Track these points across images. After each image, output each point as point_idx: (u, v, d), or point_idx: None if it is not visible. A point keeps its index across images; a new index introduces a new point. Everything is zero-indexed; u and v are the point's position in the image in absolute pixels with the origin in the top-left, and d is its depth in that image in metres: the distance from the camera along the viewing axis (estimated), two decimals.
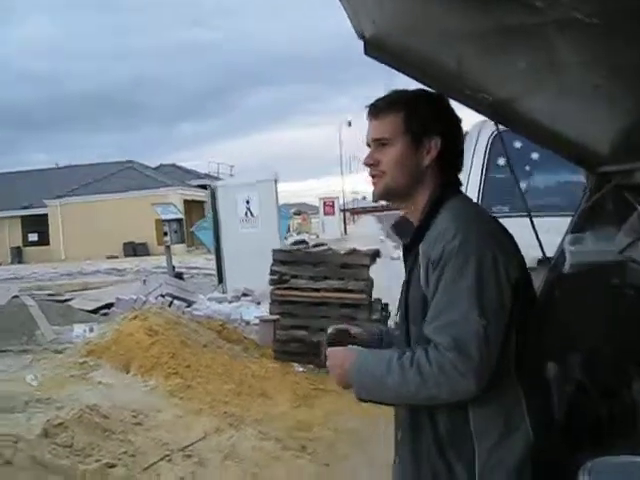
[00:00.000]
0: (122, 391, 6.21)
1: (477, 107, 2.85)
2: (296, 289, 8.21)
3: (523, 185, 4.94)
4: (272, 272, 8.39)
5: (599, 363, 2.50)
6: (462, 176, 4.68)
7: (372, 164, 2.09)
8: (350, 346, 2.13)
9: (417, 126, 2.05)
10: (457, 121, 2.14)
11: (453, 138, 2.11)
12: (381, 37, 2.66)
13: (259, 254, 13.07)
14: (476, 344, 1.83)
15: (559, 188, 5.07)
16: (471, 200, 2.10)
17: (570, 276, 2.64)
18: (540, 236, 4.64)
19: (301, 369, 7.69)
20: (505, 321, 1.88)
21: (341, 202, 47.05)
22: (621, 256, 2.54)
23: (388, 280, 9.01)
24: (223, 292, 13.60)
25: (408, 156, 2.05)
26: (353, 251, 8.91)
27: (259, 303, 12.29)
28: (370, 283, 8.37)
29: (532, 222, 3.03)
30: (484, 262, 1.88)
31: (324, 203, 40.19)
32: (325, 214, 39.74)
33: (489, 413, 1.91)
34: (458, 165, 2.14)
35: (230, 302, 12.57)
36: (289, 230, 30.35)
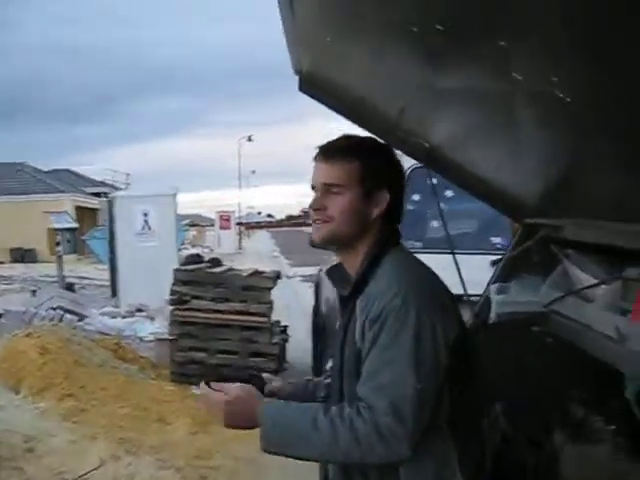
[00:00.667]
0: (12, 413, 5.91)
1: (412, 152, 2.87)
2: (197, 310, 8.06)
3: (435, 223, 5.02)
4: (172, 292, 8.21)
5: (523, 413, 2.54)
6: None
7: (319, 209, 2.05)
8: (251, 387, 2.06)
9: (371, 178, 2.02)
10: (403, 174, 2.15)
11: (399, 191, 2.09)
12: (319, 75, 2.65)
13: (155, 269, 12.81)
14: (411, 409, 1.81)
15: (472, 226, 5.17)
16: (410, 254, 2.09)
17: (495, 326, 2.68)
18: (449, 272, 4.75)
19: (199, 392, 7.52)
20: (439, 382, 1.88)
21: (237, 216, 46.87)
22: (545, 308, 2.60)
23: (285, 299, 9.00)
24: (116, 306, 13.23)
25: (358, 207, 2.01)
26: (255, 273, 8.84)
27: (153, 319, 12.02)
28: (271, 306, 8.33)
29: (455, 260, 3.05)
30: (423, 324, 1.86)
31: (220, 217, 39.83)
32: (221, 228, 39.36)
33: (421, 469, 1.89)
34: (400, 216, 2.13)
35: (124, 317, 12.24)
36: (183, 243, 29.84)
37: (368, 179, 2.02)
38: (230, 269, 9.23)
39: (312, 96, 2.80)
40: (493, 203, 2.95)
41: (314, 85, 2.70)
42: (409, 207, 5.02)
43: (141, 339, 10.72)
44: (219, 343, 7.98)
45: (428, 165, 2.82)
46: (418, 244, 4.89)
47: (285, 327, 9.13)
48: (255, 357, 7.96)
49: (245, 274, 8.50)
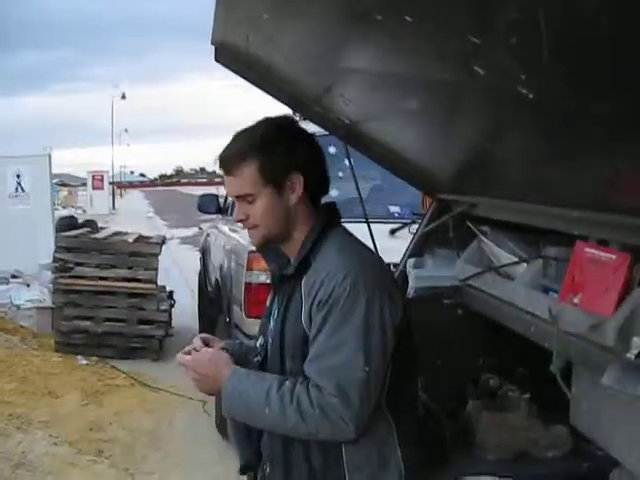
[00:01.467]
0: None
1: (330, 127, 2.85)
2: (81, 277, 7.81)
3: (335, 192, 5.04)
4: (55, 259, 7.91)
5: (441, 386, 2.61)
6: None
7: (242, 219, 2.02)
8: (222, 353, 2.06)
9: (275, 173, 1.97)
10: (313, 144, 2.07)
11: (313, 164, 2.04)
12: (241, 48, 2.58)
13: (31, 233, 12.30)
14: (358, 391, 1.85)
15: (374, 196, 5.22)
16: (350, 234, 2.09)
17: (415, 300, 2.73)
18: None
19: (85, 362, 7.36)
20: (386, 365, 1.91)
21: (110, 176, 45.57)
22: (460, 282, 2.68)
23: (164, 263, 8.87)
24: None
25: (275, 204, 1.98)
26: (140, 238, 8.65)
27: (29, 285, 11.54)
28: (157, 272, 8.18)
29: (370, 229, 3.06)
30: (372, 307, 1.88)
31: (93, 177, 38.56)
32: (94, 188, 38.13)
33: (362, 448, 1.93)
34: (324, 187, 2.10)
35: None
36: (55, 204, 28.78)
37: (271, 174, 1.97)
38: (115, 233, 8.98)
39: (228, 67, 2.73)
40: (409, 178, 2.99)
41: (234, 58, 2.62)
42: None
43: (18, 307, 10.27)
44: (105, 311, 7.77)
45: (347, 140, 2.81)
46: None
47: (171, 293, 8.99)
48: (143, 324, 7.82)
49: (131, 240, 8.29)
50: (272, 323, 2.12)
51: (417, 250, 2.91)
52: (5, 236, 12.58)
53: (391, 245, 4.71)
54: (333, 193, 5.07)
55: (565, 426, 2.57)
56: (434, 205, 2.95)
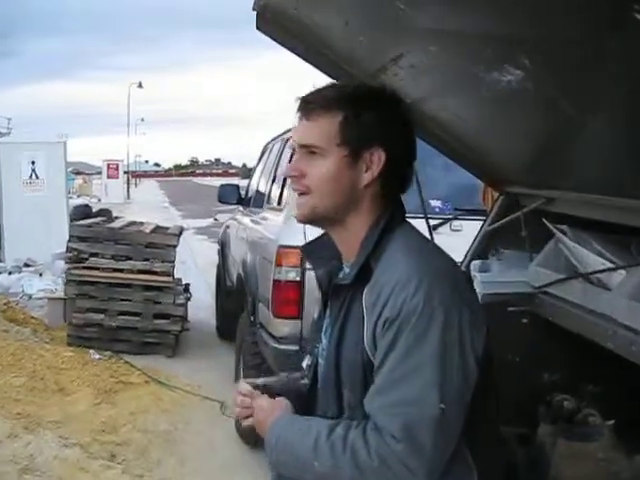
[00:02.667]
0: None
1: None
2: (96, 269, 7.48)
3: None
4: (68, 249, 7.59)
5: (512, 408, 2.27)
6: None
7: (295, 176, 1.65)
8: (278, 398, 1.73)
9: (356, 136, 1.62)
10: (408, 128, 1.71)
11: (401, 150, 1.68)
12: (285, 11, 2.24)
13: (44, 221, 12.07)
14: (432, 434, 1.47)
15: (412, 189, 4.87)
16: (420, 233, 1.73)
17: (493, 311, 2.37)
18: None
19: (98, 356, 7.03)
20: (466, 401, 1.54)
21: (125, 165, 45.35)
22: (535, 289, 2.32)
23: (180, 254, 8.55)
24: (1, 261, 12.35)
25: (342, 173, 1.62)
26: (158, 228, 8.33)
27: (41, 274, 11.28)
28: (174, 264, 7.86)
29: (430, 227, 2.72)
30: (450, 328, 1.51)
31: (108, 166, 38.26)
32: (109, 177, 37.85)
33: None
34: (405, 183, 1.73)
35: (10, 273, 11.41)
36: (69, 192, 28.69)
37: (353, 138, 1.62)
38: (131, 223, 8.66)
39: (272, 36, 2.39)
40: (472, 168, 2.64)
41: (280, 25, 2.28)
42: None
43: (30, 296, 9.99)
44: (120, 304, 7.44)
45: None
46: None
47: (187, 286, 8.66)
48: (159, 319, 7.48)
49: (148, 230, 7.96)
50: (324, 342, 1.77)
51: (481, 251, 2.55)
52: (18, 223, 12.34)
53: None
54: None
55: None
56: (501, 199, 2.58)
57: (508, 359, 2.38)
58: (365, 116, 1.63)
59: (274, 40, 2.40)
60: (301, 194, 1.67)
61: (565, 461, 2.22)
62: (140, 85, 51.98)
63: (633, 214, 2.07)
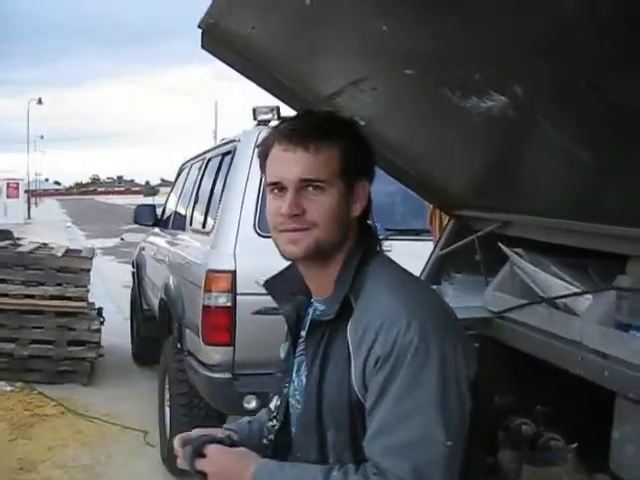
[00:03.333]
0: None
1: None
2: (4, 295, 7.13)
3: None
4: None
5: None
6: (235, 189, 4.19)
7: (297, 214, 1.54)
8: (241, 449, 1.61)
9: (353, 168, 1.57)
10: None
11: (373, 179, 1.65)
12: (236, 34, 2.15)
13: None
14: (442, 473, 1.41)
15: None
16: (397, 264, 1.67)
17: None
18: None
19: (9, 388, 6.69)
20: (465, 434, 1.49)
21: (25, 183, 43.91)
22: (494, 314, 2.28)
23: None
24: None
25: (341, 206, 1.56)
26: (69, 251, 8.03)
27: None
28: (88, 289, 7.57)
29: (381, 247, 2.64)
30: (447, 363, 1.46)
31: (7, 185, 36.94)
32: (8, 197, 36.52)
33: None
34: (370, 211, 1.68)
35: None
36: None
37: (352, 169, 1.56)
38: (40, 247, 8.31)
39: (217, 55, 2.30)
40: (421, 190, 2.60)
41: (228, 45, 2.19)
42: None
43: None
44: (32, 332, 7.11)
45: None
46: None
47: (100, 310, 8.36)
48: (73, 346, 7.18)
49: (59, 254, 7.65)
50: (296, 382, 1.68)
51: (434, 276, 2.50)
52: None
53: None
54: None
55: (607, 474, 2.22)
56: (452, 223, 2.55)
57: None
58: (360, 147, 1.60)
59: (220, 59, 2.31)
60: (302, 232, 1.56)
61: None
62: (40, 101, 50.54)
63: (589, 237, 2.06)
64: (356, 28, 1.65)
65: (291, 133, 1.55)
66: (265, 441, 1.74)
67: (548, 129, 1.56)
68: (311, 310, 1.69)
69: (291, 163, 1.54)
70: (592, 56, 1.27)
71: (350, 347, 1.49)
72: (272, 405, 1.75)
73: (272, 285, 1.79)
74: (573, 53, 1.28)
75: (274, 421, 1.72)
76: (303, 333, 1.69)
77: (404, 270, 1.65)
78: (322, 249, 1.57)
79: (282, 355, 1.77)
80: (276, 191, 1.57)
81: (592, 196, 1.97)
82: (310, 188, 1.53)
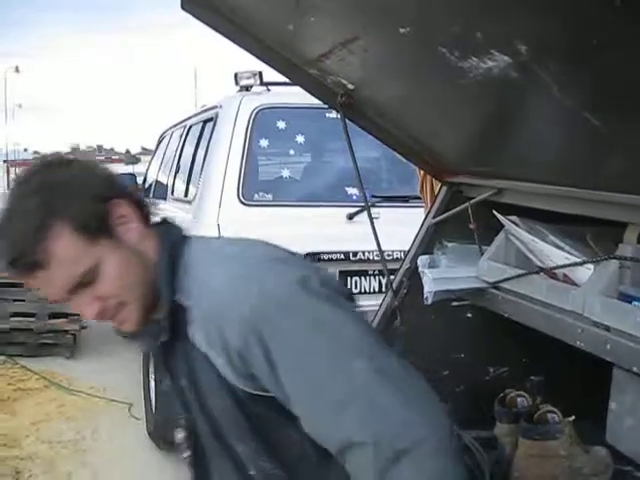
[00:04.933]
0: None
1: (324, 95, 2.34)
2: None
3: (287, 172, 4.52)
4: None
5: (469, 408, 2.17)
6: (218, 157, 4.10)
7: (103, 309, 1.39)
8: None
9: (93, 219, 1.36)
10: (92, 167, 1.46)
11: (115, 183, 1.45)
12: None
13: None
14: (394, 395, 1.22)
15: (329, 176, 4.69)
16: (198, 237, 1.56)
17: (436, 307, 2.25)
18: (310, 228, 4.29)
19: None
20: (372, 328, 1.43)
21: (4, 154, 43.37)
22: (489, 284, 2.21)
23: None
24: None
25: (122, 256, 1.38)
26: None
27: None
28: None
29: (370, 215, 2.55)
30: (313, 305, 1.30)
31: None
32: None
33: None
34: (142, 201, 1.51)
35: None
36: None
37: (93, 224, 1.35)
38: None
39: (199, 17, 2.18)
40: (411, 156, 2.50)
41: (209, 5, 2.07)
42: (257, 155, 4.46)
43: None
44: (12, 305, 7.01)
45: (344, 110, 2.28)
46: (268, 196, 4.35)
47: None
48: (55, 318, 7.08)
49: None
50: (179, 407, 1.55)
51: (426, 245, 2.41)
52: None
53: (350, 231, 4.26)
54: (284, 173, 4.59)
55: (603, 447, 2.18)
56: (444, 190, 2.46)
57: (455, 357, 2.28)
58: (81, 199, 1.36)
59: (201, 21, 2.19)
60: (117, 315, 1.41)
61: (527, 460, 2.12)
62: (17, 70, 49.73)
63: (588, 205, 1.98)
64: None
65: (14, 265, 1.36)
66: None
67: (553, 91, 1.46)
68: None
69: (45, 286, 1.39)
70: (603, 14, 1.17)
71: (206, 352, 1.36)
72: (178, 438, 1.59)
73: (134, 336, 1.55)
74: (585, 11, 1.18)
75: (187, 452, 1.57)
76: None
77: (213, 240, 1.52)
78: (147, 309, 1.43)
79: (165, 388, 1.61)
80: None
81: (592, 162, 1.89)
82: (84, 285, 1.37)
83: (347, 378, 1.24)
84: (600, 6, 1.14)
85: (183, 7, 2.15)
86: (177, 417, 1.57)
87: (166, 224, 1.53)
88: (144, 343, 1.61)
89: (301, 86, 2.30)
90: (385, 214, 3.96)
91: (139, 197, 1.49)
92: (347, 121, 2.36)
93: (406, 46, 1.67)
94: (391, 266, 2.69)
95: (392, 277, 2.52)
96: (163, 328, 1.41)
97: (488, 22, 1.35)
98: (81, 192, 1.36)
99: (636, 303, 1.72)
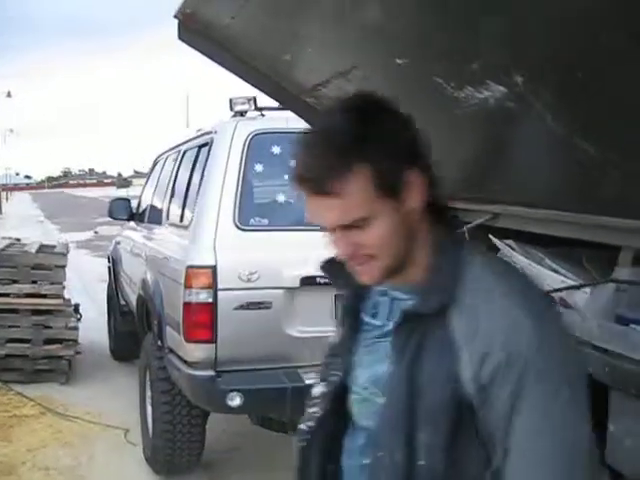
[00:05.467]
0: None
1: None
2: None
3: (282, 196, 4.54)
4: None
5: None
6: (214, 182, 4.10)
7: (355, 254, 1.39)
8: None
9: (392, 176, 1.35)
10: (408, 122, 1.42)
11: (419, 150, 1.41)
12: (213, 24, 2.06)
13: None
14: None
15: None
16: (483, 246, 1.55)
17: None
18: (306, 251, 4.29)
19: None
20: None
21: None
22: None
23: None
24: None
25: (394, 222, 1.37)
26: (43, 247, 7.89)
27: None
28: (63, 285, 7.44)
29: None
30: (573, 364, 1.34)
31: None
32: None
33: None
34: (437, 180, 1.46)
35: None
36: None
37: (389, 180, 1.35)
38: (13, 243, 8.15)
39: (194, 46, 2.22)
40: None
41: (206, 36, 2.11)
42: (253, 180, 4.48)
43: None
44: (7, 331, 6.98)
45: None
46: (264, 221, 4.37)
47: (77, 306, 8.23)
48: (50, 344, 7.06)
49: (33, 250, 7.51)
50: (368, 372, 1.52)
51: None
52: None
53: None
54: (280, 198, 4.61)
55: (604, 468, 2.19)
56: None
57: None
58: (381, 149, 1.35)
59: (197, 50, 2.23)
60: (365, 265, 1.41)
61: None
62: (9, 95, 49.83)
63: (582, 228, 2.01)
64: (343, 16, 1.56)
65: (310, 183, 1.35)
66: (304, 427, 1.63)
67: (547, 120, 1.49)
68: (384, 298, 1.53)
69: (322, 212, 1.36)
70: (593, 46, 1.20)
71: (458, 341, 1.34)
72: (316, 391, 1.63)
73: (329, 268, 1.57)
74: (575, 42, 1.21)
75: (316, 408, 1.61)
76: (370, 320, 1.55)
77: (504, 260, 1.52)
78: (392, 269, 1.43)
79: (334, 341, 1.62)
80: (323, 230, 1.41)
81: (585, 187, 1.92)
82: (354, 227, 1.36)
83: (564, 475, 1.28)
84: (590, 38, 1.17)
85: (180, 37, 2.18)
86: (329, 373, 1.59)
87: (447, 212, 1.50)
88: (347, 296, 1.58)
89: (297, 114, 2.33)
90: None
91: (434, 174, 1.44)
92: None
93: (403, 76, 1.70)
94: None
95: None
96: (431, 303, 1.37)
97: (484, 53, 1.38)
98: (390, 148, 1.36)
99: (633, 326, 1.75)
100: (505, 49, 1.34)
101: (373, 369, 1.51)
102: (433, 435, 1.36)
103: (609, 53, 1.21)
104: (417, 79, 1.67)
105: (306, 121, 2.39)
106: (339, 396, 1.57)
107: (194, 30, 2.14)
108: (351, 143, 1.33)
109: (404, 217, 1.38)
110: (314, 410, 1.59)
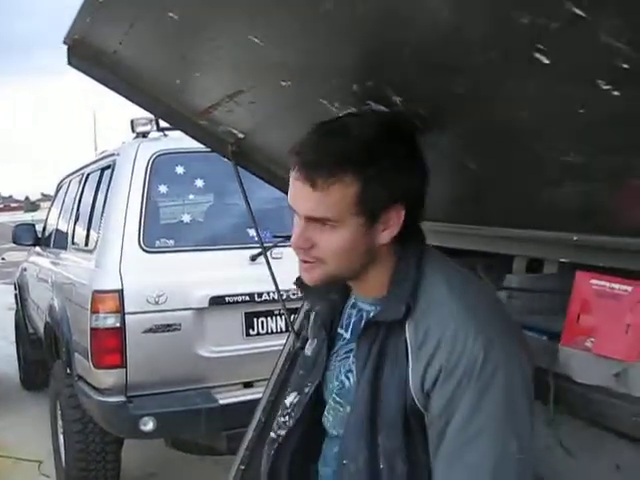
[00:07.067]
0: None
1: (215, 144, 2.37)
2: None
3: (187, 217, 4.52)
4: None
5: None
6: (117, 205, 4.06)
7: (304, 248, 1.42)
8: None
9: (376, 201, 1.38)
10: (421, 159, 1.47)
11: (421, 194, 1.46)
12: (103, 50, 2.05)
13: None
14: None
15: (230, 219, 4.68)
16: (446, 257, 1.56)
17: None
18: (213, 271, 4.29)
19: None
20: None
21: None
22: None
23: None
24: None
25: (358, 240, 1.40)
26: None
27: None
28: None
29: (267, 257, 2.61)
30: (514, 376, 1.37)
31: None
32: None
33: None
34: (421, 214, 1.51)
35: None
36: None
37: (371, 205, 1.38)
38: None
39: (85, 71, 2.19)
40: None
41: (96, 61, 2.09)
42: (157, 202, 4.44)
43: None
44: None
45: (236, 159, 2.33)
46: (170, 242, 4.33)
47: None
48: None
49: None
50: (337, 383, 1.57)
51: None
52: None
53: (253, 272, 4.28)
54: (185, 218, 4.58)
55: None
56: None
57: None
58: (385, 175, 1.38)
59: (89, 76, 2.20)
60: (309, 262, 1.45)
61: None
62: None
63: (475, 239, 2.07)
64: (228, 41, 1.58)
65: (304, 165, 1.38)
66: (273, 435, 1.66)
67: (435, 140, 1.53)
68: (354, 310, 1.58)
69: (299, 196, 1.39)
70: (470, 66, 1.24)
71: (409, 349, 1.39)
72: (287, 401, 1.66)
73: (302, 283, 1.58)
74: (451, 62, 1.25)
75: (287, 417, 1.64)
76: (342, 332, 1.59)
77: (455, 265, 1.53)
78: (336, 279, 1.48)
79: (308, 353, 1.66)
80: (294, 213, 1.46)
81: (476, 201, 1.98)
82: (321, 223, 1.39)
83: (498, 454, 1.32)
84: (463, 56, 1.21)
85: (70, 63, 2.16)
86: (303, 383, 1.62)
87: (418, 229, 1.52)
88: (322, 309, 1.63)
89: (193, 137, 2.34)
90: (289, 253, 3.98)
91: (419, 213, 1.48)
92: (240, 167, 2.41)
93: (290, 98, 1.72)
94: (294, 306, 2.74)
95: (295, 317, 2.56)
96: (392, 312, 1.41)
97: (361, 75, 1.41)
98: (390, 182, 1.38)
99: (525, 332, 1.80)
100: (380, 70, 1.38)
101: (340, 380, 1.56)
102: (391, 439, 1.41)
103: (483, 71, 1.25)
104: (303, 100, 1.70)
105: (202, 144, 2.40)
106: (312, 406, 1.61)
107: (83, 56, 2.11)
108: (361, 160, 1.36)
109: (368, 241, 1.42)
110: (285, 420, 1.63)
